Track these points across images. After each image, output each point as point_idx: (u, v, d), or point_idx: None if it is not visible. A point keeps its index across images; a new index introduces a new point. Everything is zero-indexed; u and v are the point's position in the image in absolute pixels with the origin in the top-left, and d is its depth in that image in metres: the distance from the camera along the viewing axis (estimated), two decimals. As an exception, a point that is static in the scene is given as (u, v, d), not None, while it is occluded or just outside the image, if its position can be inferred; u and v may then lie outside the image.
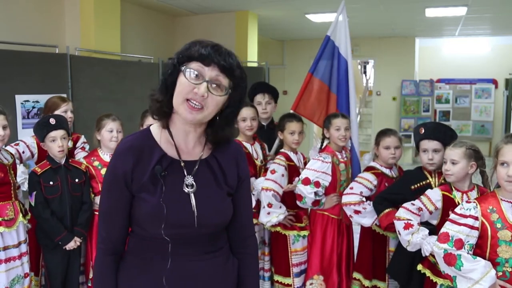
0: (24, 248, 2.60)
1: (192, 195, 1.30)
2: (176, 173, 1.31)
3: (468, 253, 1.88)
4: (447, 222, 1.98)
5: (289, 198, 2.90)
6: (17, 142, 2.98)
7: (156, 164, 1.28)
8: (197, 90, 1.22)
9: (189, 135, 1.33)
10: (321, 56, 3.34)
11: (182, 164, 1.32)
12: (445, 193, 2.30)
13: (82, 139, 3.33)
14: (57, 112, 3.02)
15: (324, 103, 3.34)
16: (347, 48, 3.28)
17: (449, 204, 2.27)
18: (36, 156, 2.97)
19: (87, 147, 3.31)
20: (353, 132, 3.08)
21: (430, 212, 2.33)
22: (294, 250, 2.94)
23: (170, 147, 1.32)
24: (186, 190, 1.30)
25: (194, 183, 1.31)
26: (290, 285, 2.95)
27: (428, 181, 2.52)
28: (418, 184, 2.51)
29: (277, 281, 3.01)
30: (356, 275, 2.93)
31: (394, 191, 2.59)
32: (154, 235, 1.28)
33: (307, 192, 2.74)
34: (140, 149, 1.30)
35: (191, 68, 1.23)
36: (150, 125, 1.38)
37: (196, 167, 1.33)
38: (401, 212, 2.36)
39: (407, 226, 2.29)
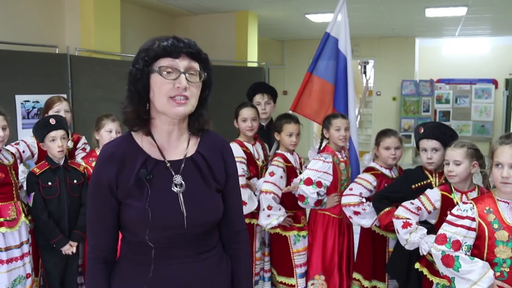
0: (26, 248, 2.61)
1: (180, 195, 1.28)
2: (162, 174, 1.29)
3: (465, 254, 1.89)
4: (444, 224, 1.99)
5: (287, 199, 2.91)
6: (17, 141, 2.98)
7: (140, 168, 1.27)
8: (179, 84, 1.21)
9: (172, 134, 1.31)
10: (320, 54, 3.29)
11: (168, 164, 1.30)
12: (445, 193, 2.31)
13: (83, 140, 3.32)
14: (50, 112, 3.02)
15: (328, 101, 3.28)
16: (347, 45, 3.23)
17: (447, 205, 2.27)
18: (36, 156, 2.97)
19: (88, 148, 3.29)
20: (352, 131, 3.07)
21: (429, 212, 2.34)
22: (297, 250, 2.93)
23: (154, 149, 1.31)
24: (175, 189, 1.28)
25: (183, 182, 1.29)
26: (294, 286, 2.94)
27: (429, 180, 2.52)
28: (419, 184, 2.51)
29: (281, 282, 2.99)
30: (356, 275, 2.93)
31: (395, 189, 2.60)
32: (143, 240, 1.27)
33: (309, 192, 2.74)
34: (122, 155, 1.28)
35: (163, 66, 1.22)
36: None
37: (183, 165, 1.31)
38: (400, 211, 2.37)
39: (406, 225, 2.31)
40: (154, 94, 1.25)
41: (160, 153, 1.30)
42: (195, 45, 1.26)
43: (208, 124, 1.37)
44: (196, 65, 1.26)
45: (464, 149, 2.24)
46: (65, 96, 3.98)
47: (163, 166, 1.30)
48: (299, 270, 2.93)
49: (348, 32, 3.25)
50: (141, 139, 1.31)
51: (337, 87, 3.24)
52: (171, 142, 1.32)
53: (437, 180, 2.51)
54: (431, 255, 2.28)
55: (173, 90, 1.21)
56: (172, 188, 1.28)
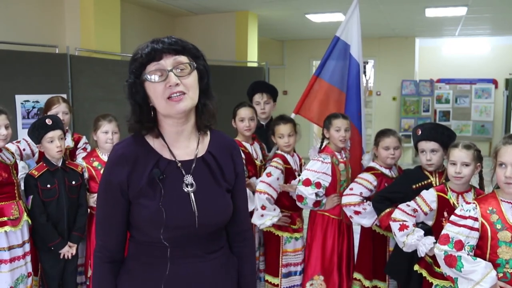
0: (27, 247, 2.61)
1: (192, 195, 1.29)
2: (174, 174, 1.30)
3: (468, 254, 1.88)
4: (448, 224, 1.99)
5: (287, 200, 2.91)
6: (19, 140, 2.98)
7: (153, 168, 1.28)
8: (169, 83, 1.21)
9: (182, 135, 1.32)
10: (328, 58, 3.24)
11: (179, 164, 1.30)
12: (441, 194, 2.30)
13: (84, 139, 3.31)
14: (49, 113, 3.00)
15: (334, 106, 3.25)
16: (359, 51, 3.18)
17: (444, 205, 2.27)
18: (37, 155, 2.96)
19: (88, 147, 3.28)
20: (361, 133, 3.08)
21: (425, 214, 2.33)
22: (285, 251, 2.95)
23: (165, 149, 1.32)
24: (186, 190, 1.29)
25: (193, 182, 1.30)
26: (278, 285, 2.96)
27: (429, 180, 2.51)
28: (420, 184, 2.50)
29: (266, 281, 3.02)
30: (356, 275, 2.93)
31: (395, 189, 2.59)
32: (154, 239, 1.27)
33: (308, 193, 2.74)
34: (134, 156, 1.29)
35: (151, 72, 1.23)
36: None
37: (194, 165, 1.32)
38: (396, 213, 2.37)
39: (402, 227, 2.31)
40: (153, 101, 1.26)
41: (170, 153, 1.31)
42: (176, 42, 1.25)
43: (215, 117, 1.36)
44: (183, 59, 1.25)
45: (472, 151, 2.21)
46: (65, 96, 3.98)
47: (174, 166, 1.30)
48: (284, 270, 2.95)
49: (360, 37, 3.20)
50: (152, 140, 1.32)
51: (349, 93, 3.19)
52: (181, 142, 1.33)
53: (437, 180, 2.51)
54: (429, 256, 2.28)
55: (166, 90, 1.22)
56: (183, 188, 1.29)
